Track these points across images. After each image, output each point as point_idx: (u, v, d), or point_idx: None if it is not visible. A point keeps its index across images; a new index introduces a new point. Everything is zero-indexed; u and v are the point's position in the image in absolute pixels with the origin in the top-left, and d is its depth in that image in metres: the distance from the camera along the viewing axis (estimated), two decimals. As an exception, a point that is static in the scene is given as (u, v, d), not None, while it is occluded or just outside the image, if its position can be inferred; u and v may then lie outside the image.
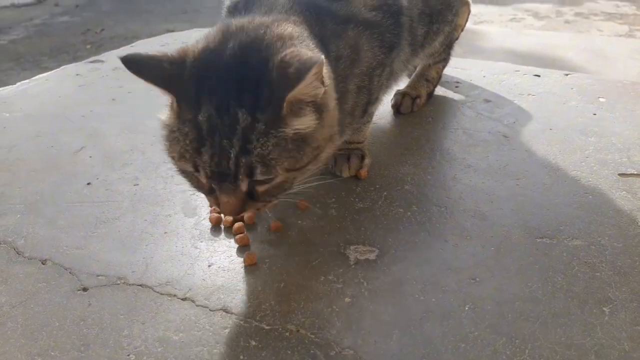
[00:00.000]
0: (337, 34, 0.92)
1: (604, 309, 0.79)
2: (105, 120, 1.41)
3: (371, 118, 1.16)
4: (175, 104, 0.77)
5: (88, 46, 5.87)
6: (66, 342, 0.76)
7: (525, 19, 6.08)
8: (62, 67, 1.86)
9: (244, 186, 0.77)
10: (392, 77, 1.16)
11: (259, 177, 0.75)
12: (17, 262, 0.92)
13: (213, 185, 0.77)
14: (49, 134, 1.36)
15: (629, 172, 1.13)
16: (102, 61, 1.92)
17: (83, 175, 1.17)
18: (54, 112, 1.47)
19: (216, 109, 0.73)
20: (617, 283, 0.84)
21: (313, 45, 0.84)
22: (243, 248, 0.93)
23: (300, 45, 0.79)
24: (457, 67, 1.71)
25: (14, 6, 8.04)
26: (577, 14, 6.13)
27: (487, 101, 1.48)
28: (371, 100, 1.03)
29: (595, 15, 6.08)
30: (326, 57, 0.86)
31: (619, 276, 0.85)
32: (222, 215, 0.97)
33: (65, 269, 0.90)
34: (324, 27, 0.90)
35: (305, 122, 0.76)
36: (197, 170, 0.77)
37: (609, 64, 4.20)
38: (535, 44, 4.97)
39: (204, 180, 0.77)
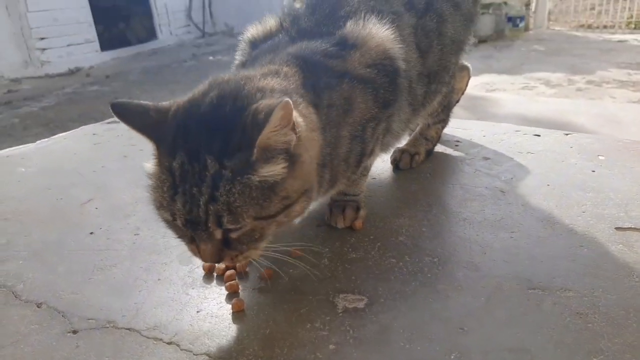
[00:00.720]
0: (331, 86, 0.97)
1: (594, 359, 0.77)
2: (114, 175, 1.48)
3: (367, 172, 1.19)
4: (156, 152, 0.81)
5: (114, 113, 6.13)
6: (50, 384, 0.77)
7: (537, 87, 6.21)
8: (81, 127, 1.96)
9: (217, 234, 0.79)
10: (391, 135, 1.20)
11: (227, 225, 0.77)
12: (14, 305, 0.95)
13: (191, 234, 0.80)
14: (59, 187, 1.42)
15: (626, 227, 1.12)
16: (118, 122, 2.01)
17: (87, 225, 1.21)
18: (67, 168, 1.54)
19: (188, 156, 0.77)
20: (610, 334, 0.82)
21: (298, 97, 0.88)
22: (233, 295, 0.94)
23: (283, 96, 0.83)
24: (458, 128, 1.75)
25: (47, 76, 8.53)
26: (589, 82, 6.23)
27: (486, 158, 1.51)
28: (365, 152, 1.06)
29: (607, 83, 6.18)
30: (316, 108, 0.92)
31: (612, 327, 0.83)
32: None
33: (59, 312, 0.92)
34: (319, 80, 0.96)
35: (272, 170, 0.77)
36: (174, 219, 0.79)
37: (622, 129, 4.23)
38: (547, 110, 5.06)
39: (182, 230, 0.81)
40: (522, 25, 9.24)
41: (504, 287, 0.94)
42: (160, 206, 0.80)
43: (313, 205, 1.22)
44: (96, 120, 6.29)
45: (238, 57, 1.17)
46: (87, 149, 1.73)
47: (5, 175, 1.54)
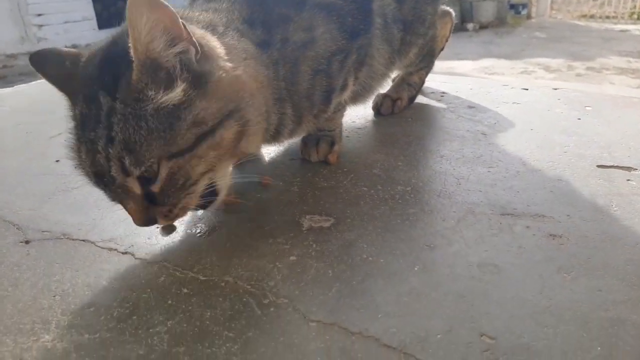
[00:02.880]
0: (286, 17, 0.91)
1: (565, 275, 0.74)
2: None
3: (343, 108, 1.14)
4: (69, 107, 0.75)
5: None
6: (-6, 285, 0.73)
7: (536, 72, 6.15)
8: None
9: (134, 187, 0.70)
10: (369, 71, 1.15)
11: (133, 170, 0.67)
12: (-33, 219, 0.91)
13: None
14: (30, 124, 1.38)
15: (609, 164, 1.09)
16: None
17: (54, 154, 1.18)
18: (40, 108, 1.50)
19: (85, 99, 0.69)
20: (583, 255, 0.78)
21: (225, 29, 0.82)
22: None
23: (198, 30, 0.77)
24: (445, 82, 1.71)
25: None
26: (589, 68, 6.19)
27: (471, 107, 1.47)
28: (333, 87, 0.99)
29: (607, 69, 6.14)
30: (263, 45, 0.86)
31: (586, 249, 0.80)
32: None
33: (14, 225, 0.88)
34: (270, 13, 0.89)
35: (170, 96, 0.67)
36: (88, 177, 0.72)
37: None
38: (545, 93, 5.03)
39: (105, 192, 0.73)
40: (524, 12, 9.17)
41: (476, 212, 0.91)
42: (75, 164, 0.73)
43: (285, 145, 1.19)
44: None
45: None
46: (65, 93, 1.69)
47: (-24, 113, 1.51)
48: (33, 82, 1.83)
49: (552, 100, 1.51)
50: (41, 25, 8.63)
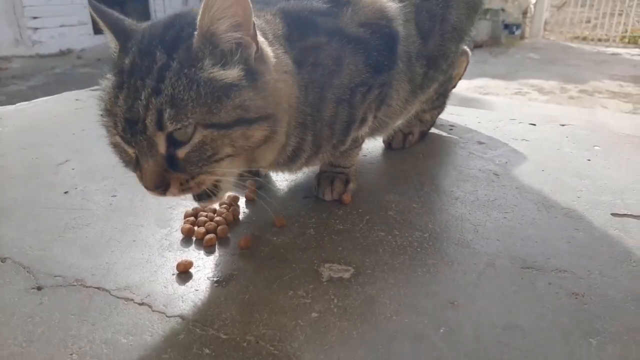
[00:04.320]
0: (318, 44, 0.92)
1: (591, 340, 0.73)
2: (94, 139, 1.39)
3: (359, 144, 1.14)
4: (116, 56, 0.78)
5: (103, 95, 6.04)
6: (8, 338, 0.71)
7: (530, 93, 6.21)
8: (65, 92, 1.89)
9: (160, 145, 0.72)
10: (387, 111, 1.14)
11: (168, 124, 0.69)
12: (-24, 259, 0.88)
13: (135, 152, 0.74)
14: (35, 147, 1.35)
15: (623, 213, 1.09)
16: (103, 90, 1.95)
17: (62, 184, 1.15)
18: (45, 129, 1.48)
19: (140, 52, 0.73)
20: (607, 316, 0.78)
21: (274, 39, 0.85)
22: (211, 255, 0.89)
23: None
24: (452, 113, 1.71)
25: (38, 56, 8.38)
26: (582, 91, 6.25)
27: (480, 143, 1.47)
28: (354, 119, 1.00)
29: (600, 93, 6.21)
30: (298, 65, 0.88)
31: (609, 310, 0.79)
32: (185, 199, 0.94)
33: (24, 268, 0.86)
34: (305, 37, 0.91)
35: (225, 73, 0.72)
36: (115, 125, 0.73)
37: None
38: (538, 115, 5.05)
39: (125, 145, 0.75)
40: (518, 33, 9.27)
41: (496, 265, 0.90)
42: (104, 113, 0.75)
43: (298, 176, 1.18)
44: (84, 101, 6.13)
45: None
46: (68, 112, 1.66)
47: (-20, 134, 1.47)
48: (34, 100, 1.80)
49: (561, 138, 1.52)
50: (36, 28, 8.57)
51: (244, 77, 0.74)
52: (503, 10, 9.00)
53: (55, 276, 0.84)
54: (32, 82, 6.80)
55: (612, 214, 1.08)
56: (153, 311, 0.76)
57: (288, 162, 0.96)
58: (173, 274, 0.85)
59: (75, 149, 1.35)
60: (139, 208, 1.05)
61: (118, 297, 0.79)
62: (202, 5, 0.70)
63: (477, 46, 8.63)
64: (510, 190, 1.18)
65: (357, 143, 1.11)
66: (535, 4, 9.42)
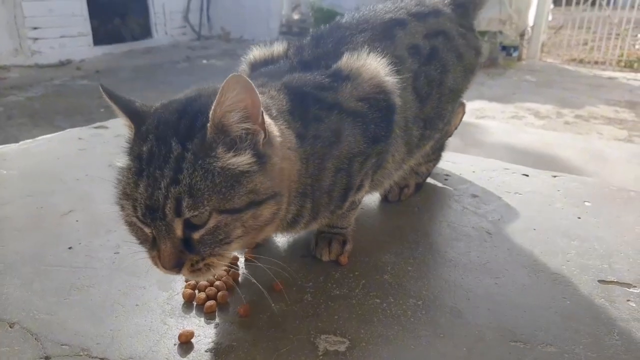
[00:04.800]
0: (319, 118, 0.97)
1: (574, 423, 0.77)
2: (97, 185, 1.44)
3: (356, 207, 1.17)
4: (131, 139, 0.83)
5: (102, 110, 6.07)
6: (15, 414, 0.74)
7: (526, 117, 6.28)
8: (67, 130, 1.93)
9: (177, 227, 0.77)
10: (383, 173, 1.20)
11: (186, 212, 0.74)
12: (-16, 323, 0.91)
13: (152, 233, 0.79)
14: (40, 194, 1.38)
15: (609, 280, 1.13)
16: (106, 127, 1.99)
17: (66, 238, 1.18)
18: (49, 173, 1.51)
19: (157, 140, 0.78)
20: (590, 396, 0.81)
21: (279, 114, 0.91)
22: (212, 322, 0.92)
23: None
24: (448, 160, 1.75)
25: (37, 66, 8.43)
26: (577, 117, 6.33)
27: (474, 196, 1.51)
28: (351, 186, 1.04)
29: (595, 118, 6.28)
30: (300, 139, 0.93)
31: (592, 389, 0.83)
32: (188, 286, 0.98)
33: (32, 335, 0.89)
34: (307, 111, 0.96)
35: (237, 160, 0.78)
36: (135, 210, 0.78)
37: (607, 167, 4.29)
38: (535, 142, 5.12)
39: (143, 227, 0.79)
40: (515, 54, 9.38)
41: (486, 337, 0.93)
42: (122, 196, 0.80)
43: (298, 235, 1.21)
44: (82, 116, 6.20)
45: None
46: (72, 153, 1.70)
47: (-15, 178, 1.51)
48: (38, 138, 1.84)
49: (552, 192, 1.56)
50: (36, 39, 8.63)
51: (254, 162, 0.80)
52: (501, 32, 9.10)
53: (62, 345, 0.87)
54: (31, 92, 6.84)
55: (599, 281, 1.12)
56: (155, 385, 0.79)
57: (287, 227, 1.01)
58: (175, 344, 0.88)
59: (79, 196, 1.39)
60: (141, 267, 1.08)
61: (122, 369, 0.82)
62: (216, 98, 0.75)
63: (474, 67, 8.72)
64: (501, 251, 1.22)
65: (354, 205, 1.15)
66: (532, 27, 9.54)
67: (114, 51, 9.52)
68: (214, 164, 0.76)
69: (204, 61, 9.26)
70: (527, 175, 1.69)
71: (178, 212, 0.75)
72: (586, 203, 1.49)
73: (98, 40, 9.35)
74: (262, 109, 0.80)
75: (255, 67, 1.15)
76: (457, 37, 1.32)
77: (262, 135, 0.81)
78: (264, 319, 0.96)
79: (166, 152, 0.77)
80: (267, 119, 0.84)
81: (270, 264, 1.10)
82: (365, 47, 1.08)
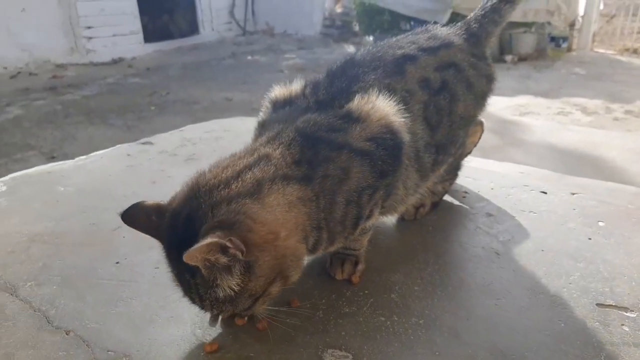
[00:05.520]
0: (329, 158, 1.08)
1: None
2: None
3: (367, 232, 1.27)
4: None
5: (152, 107, 6.38)
6: (71, 410, 0.90)
7: (573, 114, 6.13)
8: (117, 146, 2.12)
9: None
10: (396, 199, 1.29)
11: (222, 315, 1.01)
12: (47, 330, 1.09)
13: None
14: (93, 210, 1.57)
15: (608, 303, 1.19)
16: (151, 143, 2.18)
17: (115, 254, 1.36)
18: (101, 189, 1.70)
19: (175, 269, 0.99)
20: (567, 417, 0.90)
21: (273, 185, 1.01)
22: (233, 338, 1.06)
23: (248, 200, 0.97)
24: (468, 177, 1.83)
25: (92, 64, 8.87)
26: (627, 112, 6.12)
27: (489, 215, 1.59)
28: (361, 215, 1.14)
29: (646, 114, 6.06)
30: (307, 181, 1.05)
31: (570, 410, 0.92)
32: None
33: (84, 342, 1.06)
34: (317, 154, 1.07)
35: (231, 282, 0.92)
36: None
37: (655, 169, 4.17)
38: (579, 141, 5.01)
39: None
40: (564, 45, 9.11)
41: (478, 357, 1.03)
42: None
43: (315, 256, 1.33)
44: (134, 114, 6.50)
45: (261, 114, 1.29)
46: (121, 170, 1.89)
47: (46, 194, 1.71)
48: (91, 155, 2.04)
49: (568, 211, 1.61)
50: (90, 38, 9.07)
51: (243, 275, 0.93)
52: (549, 23, 8.85)
53: (108, 351, 1.03)
54: (86, 91, 7.24)
55: (597, 304, 1.19)
56: (184, 391, 0.95)
57: (310, 253, 1.13)
58: (202, 354, 1.03)
59: (127, 212, 1.56)
60: (177, 282, 1.24)
61: (157, 375, 0.98)
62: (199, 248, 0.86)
63: (521, 59, 8.54)
64: (507, 272, 1.30)
65: (366, 231, 1.25)
66: (583, 16, 9.21)
67: (163, 48, 9.88)
68: (219, 293, 0.94)
69: (249, 57, 9.47)
70: (545, 193, 1.74)
71: (216, 313, 1.00)
72: (600, 223, 1.54)
73: (148, 37, 9.72)
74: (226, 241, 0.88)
75: (277, 105, 1.26)
76: (468, 68, 1.39)
77: (240, 253, 0.90)
78: (279, 332, 1.09)
79: (187, 282, 0.96)
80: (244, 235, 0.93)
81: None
82: (376, 88, 1.18)
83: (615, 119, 6.01)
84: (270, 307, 1.04)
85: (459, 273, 1.30)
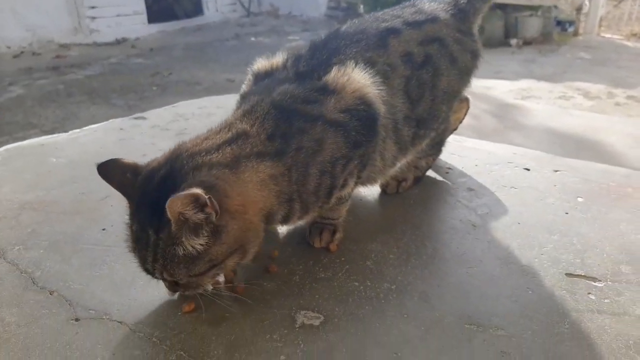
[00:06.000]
0: (303, 130, 1.10)
1: (502, 397, 0.90)
2: (132, 173, 1.65)
3: (345, 201, 1.30)
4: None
5: (154, 88, 6.40)
6: (51, 361, 0.95)
7: (575, 98, 6.10)
8: (111, 120, 2.16)
9: (168, 280, 1.01)
10: (375, 169, 1.32)
11: (167, 278, 0.99)
12: (32, 290, 1.14)
13: None
14: (83, 180, 1.61)
15: (577, 273, 1.22)
16: (144, 118, 2.21)
17: (101, 221, 1.40)
18: (92, 161, 1.70)
19: (139, 225, 0.98)
20: (523, 376, 0.94)
21: (247, 162, 1.03)
22: (211, 300, 1.11)
23: (227, 170, 1.00)
24: (454, 154, 1.86)
25: (95, 44, 8.86)
26: (630, 97, 6.09)
27: (470, 190, 1.62)
28: (335, 185, 1.17)
29: (649, 100, 6.03)
30: (280, 156, 1.07)
31: (528, 370, 0.96)
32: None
33: (67, 301, 1.10)
34: (291, 126, 1.10)
35: (196, 242, 0.94)
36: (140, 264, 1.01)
37: (655, 154, 4.16)
38: (579, 126, 5.00)
39: None
40: (571, 29, 9.01)
41: (445, 320, 1.07)
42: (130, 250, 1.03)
43: (298, 224, 1.37)
44: (136, 94, 6.51)
45: (243, 87, 1.32)
46: (113, 143, 1.93)
47: (38, 165, 1.75)
48: (85, 128, 2.08)
49: (549, 187, 1.64)
50: (94, 18, 9.04)
51: (210, 238, 0.95)
52: (555, 6, 8.75)
53: (89, 309, 1.08)
54: (89, 71, 7.26)
55: (567, 274, 1.22)
56: (159, 345, 0.99)
57: (281, 223, 1.18)
58: (179, 313, 1.07)
59: (115, 183, 1.60)
60: (160, 247, 1.28)
61: (134, 331, 1.02)
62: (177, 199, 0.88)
63: (526, 43, 8.46)
64: (481, 243, 1.33)
65: (343, 200, 1.29)
66: (590, 0, 9.10)
67: (167, 29, 9.85)
68: (179, 250, 0.94)
69: (252, 38, 9.44)
70: (529, 170, 1.77)
71: (162, 276, 1.00)
72: (579, 199, 1.57)
73: (152, 18, 9.69)
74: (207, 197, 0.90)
75: (259, 78, 1.28)
76: (453, 43, 1.41)
77: (214, 214, 0.93)
78: (256, 295, 1.13)
79: (146, 237, 0.96)
80: (221, 196, 0.96)
81: (268, 250, 1.28)
82: (353, 61, 1.20)
83: (617, 104, 5.98)
84: (215, 290, 1.08)
85: (434, 243, 1.33)
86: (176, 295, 1.12)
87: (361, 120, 1.16)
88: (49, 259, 1.25)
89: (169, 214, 0.89)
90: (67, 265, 1.22)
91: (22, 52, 8.09)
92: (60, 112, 5.39)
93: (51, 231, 1.36)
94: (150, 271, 1.00)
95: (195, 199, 0.89)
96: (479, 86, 5.87)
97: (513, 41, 8.40)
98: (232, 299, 1.12)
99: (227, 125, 1.12)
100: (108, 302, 1.10)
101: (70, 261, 1.24)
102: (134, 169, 1.03)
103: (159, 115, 2.22)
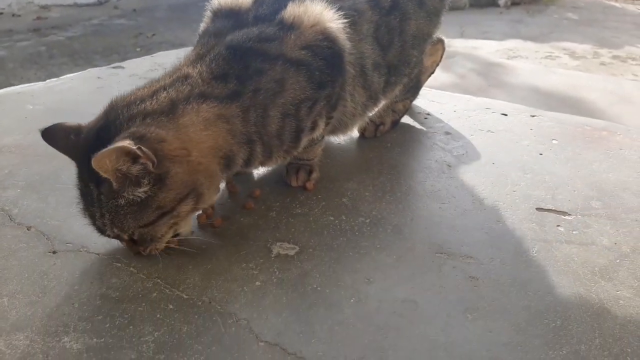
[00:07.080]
0: (261, 71, 1.07)
1: (468, 315, 0.93)
2: (110, 119, 1.65)
3: (319, 142, 1.30)
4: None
5: (138, 49, 6.28)
6: (29, 289, 0.97)
7: (561, 58, 6.10)
8: (88, 69, 2.13)
9: (123, 237, 1.01)
10: (345, 112, 1.30)
11: (118, 233, 0.97)
12: (8, 226, 1.15)
13: None
14: (61, 127, 1.60)
15: (547, 208, 1.26)
16: (122, 67, 2.19)
17: (79, 163, 1.40)
18: (70, 108, 1.72)
19: (82, 182, 0.98)
20: (490, 297, 0.97)
21: (187, 105, 1.00)
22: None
23: (164, 117, 0.97)
24: (433, 100, 1.87)
25: (76, 5, 8.63)
26: (615, 57, 6.10)
27: (447, 133, 1.63)
28: (302, 128, 1.15)
29: (633, 59, 6.04)
30: (234, 98, 1.04)
31: (494, 292, 0.99)
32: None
33: (44, 235, 1.12)
34: (248, 67, 1.06)
35: (139, 191, 0.92)
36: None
37: (633, 109, 4.21)
38: (562, 84, 5.00)
39: None
40: (558, -11, 8.92)
41: (416, 249, 1.10)
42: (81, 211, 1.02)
43: (273, 167, 1.38)
44: (119, 55, 6.41)
45: (202, 24, 1.26)
46: (90, 91, 1.91)
47: (15, 111, 1.74)
48: (62, 77, 2.06)
49: (525, 130, 1.66)
50: (74, -23, 8.75)
51: (152, 186, 0.92)
52: (544, -34, 8.64)
53: (67, 243, 1.09)
54: (70, 32, 7.09)
55: (537, 209, 1.25)
56: (135, 274, 1.01)
57: (243, 167, 1.14)
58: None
59: (93, 128, 1.59)
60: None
61: (112, 262, 1.04)
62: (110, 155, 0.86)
63: (514, 3, 8.39)
64: (455, 181, 1.36)
65: (316, 141, 1.27)
66: (579, -40, 8.99)
67: (149, -10, 9.58)
68: (122, 201, 0.93)
69: (237, -1, 9.23)
70: (506, 115, 1.78)
71: (113, 233, 0.98)
72: (553, 141, 1.59)
73: (134, -22, 9.39)
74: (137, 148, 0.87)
75: (218, 15, 1.20)
76: None
77: (151, 164, 0.90)
78: (232, 229, 1.15)
79: (90, 194, 0.96)
80: (164, 133, 0.95)
81: (246, 188, 1.29)
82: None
83: (602, 63, 5.99)
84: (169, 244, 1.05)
85: (409, 181, 1.36)
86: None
87: (325, 58, 1.13)
88: (26, 197, 1.25)
89: (99, 172, 0.88)
90: (44, 203, 1.23)
91: (1, 14, 7.86)
92: (42, 74, 5.28)
93: (28, 172, 1.36)
94: (101, 229, 0.98)
95: (124, 152, 0.87)
96: (465, 46, 5.85)
97: (501, 1, 8.32)
98: (209, 233, 1.14)
99: (175, 71, 1.09)
100: (86, 237, 1.11)
101: (47, 200, 1.24)
102: (77, 129, 1.01)
103: (137, 64, 2.20)
